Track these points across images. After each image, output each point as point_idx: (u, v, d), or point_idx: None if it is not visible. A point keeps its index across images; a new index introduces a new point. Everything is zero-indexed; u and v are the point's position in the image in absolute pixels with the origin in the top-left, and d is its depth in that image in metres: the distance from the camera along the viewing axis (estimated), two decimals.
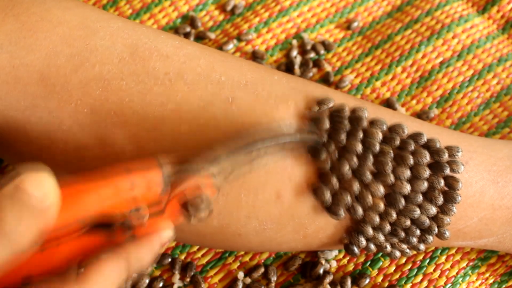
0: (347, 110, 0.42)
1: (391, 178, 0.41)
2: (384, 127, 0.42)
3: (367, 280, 0.49)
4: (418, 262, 0.49)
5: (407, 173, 0.41)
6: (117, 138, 0.41)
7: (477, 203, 0.44)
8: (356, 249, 0.44)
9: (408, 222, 0.42)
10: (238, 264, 0.49)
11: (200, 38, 0.58)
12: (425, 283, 0.49)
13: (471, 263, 0.50)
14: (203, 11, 0.60)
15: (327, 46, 0.58)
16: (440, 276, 0.49)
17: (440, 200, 0.42)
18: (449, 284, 0.49)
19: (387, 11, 0.61)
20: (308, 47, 0.58)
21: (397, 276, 0.49)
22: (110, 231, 0.34)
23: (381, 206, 0.42)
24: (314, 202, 0.42)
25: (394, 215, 0.42)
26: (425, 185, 0.42)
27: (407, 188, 0.41)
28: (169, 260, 0.49)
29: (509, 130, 0.55)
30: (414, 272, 0.49)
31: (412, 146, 0.42)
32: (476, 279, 0.49)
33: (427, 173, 0.42)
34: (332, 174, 0.41)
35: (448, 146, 0.43)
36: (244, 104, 0.41)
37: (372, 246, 0.44)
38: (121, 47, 0.42)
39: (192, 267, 0.49)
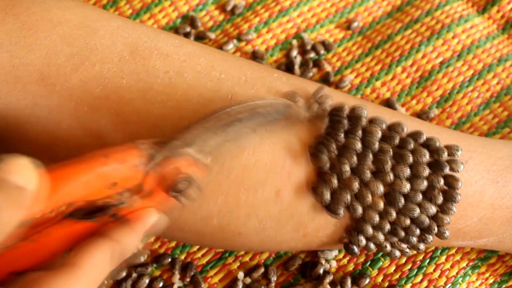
0: (346, 109, 0.42)
1: (391, 176, 0.41)
2: (384, 126, 0.43)
3: (367, 280, 0.49)
4: (418, 262, 0.49)
5: (407, 171, 0.41)
6: (118, 137, 0.41)
7: (477, 202, 0.44)
8: (356, 249, 0.44)
9: (407, 221, 0.42)
10: (238, 264, 0.49)
11: (200, 38, 0.58)
12: (425, 283, 0.49)
13: (471, 263, 0.50)
14: (203, 11, 0.60)
15: (327, 46, 0.58)
16: (440, 276, 0.49)
17: (440, 199, 0.42)
18: (449, 284, 0.49)
19: (387, 11, 0.61)
20: (308, 47, 0.58)
21: (397, 276, 0.49)
22: (96, 218, 0.34)
23: (381, 204, 0.42)
24: (313, 201, 0.42)
25: (393, 214, 0.42)
26: (424, 184, 0.42)
27: (406, 187, 0.41)
28: (169, 260, 0.49)
29: (509, 130, 0.55)
30: (414, 272, 0.49)
31: (412, 145, 0.42)
32: (476, 279, 0.49)
33: (426, 172, 0.42)
34: (332, 172, 0.41)
35: (448, 145, 0.43)
36: (243, 100, 0.41)
37: (372, 246, 0.44)
38: (121, 46, 0.42)
39: (192, 267, 0.49)
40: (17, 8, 0.42)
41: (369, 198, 0.41)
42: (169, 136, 0.35)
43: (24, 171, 0.28)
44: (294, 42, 0.58)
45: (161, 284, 0.48)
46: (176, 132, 0.36)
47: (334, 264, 0.49)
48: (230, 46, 0.58)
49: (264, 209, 0.41)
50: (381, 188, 0.41)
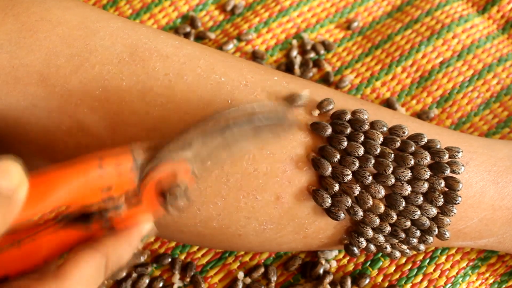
0: (348, 114, 0.42)
1: (392, 179, 0.41)
2: (385, 129, 0.42)
3: (367, 280, 0.49)
4: (418, 262, 0.49)
5: (408, 174, 0.41)
6: (117, 139, 0.41)
7: (477, 203, 0.44)
8: (356, 250, 0.44)
9: (408, 223, 0.42)
10: (238, 264, 0.49)
11: (200, 38, 0.58)
12: (425, 283, 0.49)
13: (471, 263, 0.50)
14: (203, 11, 0.60)
15: (327, 46, 0.58)
16: (440, 276, 0.49)
17: (441, 201, 0.42)
18: (449, 284, 0.49)
19: (387, 11, 0.61)
20: (308, 47, 0.58)
21: (397, 276, 0.49)
22: (87, 225, 0.33)
23: (381, 207, 0.41)
24: (314, 204, 0.42)
25: (394, 216, 0.42)
26: (425, 186, 0.42)
27: (407, 189, 0.41)
28: (169, 260, 0.49)
29: (509, 130, 0.55)
30: (414, 272, 0.49)
31: (413, 147, 0.42)
32: (476, 279, 0.49)
33: (427, 174, 0.42)
34: (332, 176, 0.41)
35: (449, 147, 0.43)
36: (241, 103, 0.41)
37: (372, 247, 0.44)
38: (121, 47, 0.42)
39: (192, 267, 0.49)
40: (17, 9, 0.42)
41: (370, 201, 0.41)
42: (164, 140, 0.35)
43: (13, 173, 0.28)
44: (294, 42, 0.58)
45: (161, 284, 0.48)
46: (172, 136, 0.35)
47: (334, 264, 0.49)
48: (230, 46, 0.58)
49: (264, 212, 0.41)
50: (382, 191, 0.41)
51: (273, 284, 0.49)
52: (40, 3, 0.43)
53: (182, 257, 0.50)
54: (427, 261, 0.49)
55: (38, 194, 0.30)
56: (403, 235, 0.43)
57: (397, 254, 0.44)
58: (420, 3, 0.60)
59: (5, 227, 0.28)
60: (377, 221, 0.42)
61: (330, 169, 0.41)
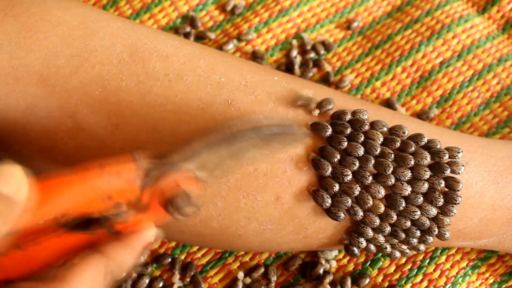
0: (348, 114, 0.42)
1: (392, 179, 0.41)
2: (385, 129, 0.42)
3: (367, 280, 0.49)
4: (418, 262, 0.49)
5: (408, 174, 0.41)
6: (117, 139, 0.41)
7: (478, 203, 0.44)
8: (356, 250, 0.44)
9: (408, 223, 0.42)
10: (238, 264, 0.49)
11: (200, 38, 0.58)
12: (425, 283, 0.49)
13: (471, 263, 0.50)
14: (203, 11, 0.60)
15: (327, 46, 0.58)
16: (440, 276, 0.49)
17: (441, 201, 0.42)
18: (449, 284, 0.49)
19: (387, 11, 0.61)
20: (308, 47, 0.58)
21: (397, 276, 0.49)
22: (90, 230, 0.33)
23: (381, 207, 0.41)
24: (314, 204, 0.42)
25: (394, 216, 0.42)
26: (425, 186, 0.42)
27: (407, 189, 0.41)
28: (169, 260, 0.49)
29: (509, 130, 0.55)
30: (414, 272, 0.49)
31: (413, 147, 0.42)
32: (476, 279, 0.49)
33: (427, 174, 0.42)
34: (332, 177, 0.41)
35: (449, 147, 0.43)
36: (243, 106, 0.41)
37: (372, 247, 0.44)
38: (120, 48, 0.42)
39: (192, 267, 0.49)
40: (16, 9, 0.42)
41: (370, 201, 0.41)
42: (168, 150, 0.34)
43: (14, 179, 0.28)
44: (294, 42, 0.58)
45: (161, 284, 0.48)
46: (176, 146, 0.34)
47: (334, 264, 0.49)
48: (230, 46, 0.58)
49: (264, 212, 0.41)
50: (382, 192, 0.41)
51: (273, 284, 0.49)
52: (40, 3, 0.43)
53: (182, 257, 0.50)
54: (427, 261, 0.49)
55: (39, 200, 0.29)
56: (403, 235, 0.43)
57: (397, 254, 0.44)
58: (420, 3, 0.60)
59: (5, 229, 0.28)
60: (377, 221, 0.42)
61: (330, 169, 0.41)
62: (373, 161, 0.41)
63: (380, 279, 0.49)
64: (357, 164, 0.41)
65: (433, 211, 0.42)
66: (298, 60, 0.57)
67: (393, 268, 0.49)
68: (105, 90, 0.41)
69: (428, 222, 0.42)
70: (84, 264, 0.32)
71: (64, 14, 0.43)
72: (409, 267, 0.49)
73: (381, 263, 0.49)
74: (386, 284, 0.49)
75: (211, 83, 0.42)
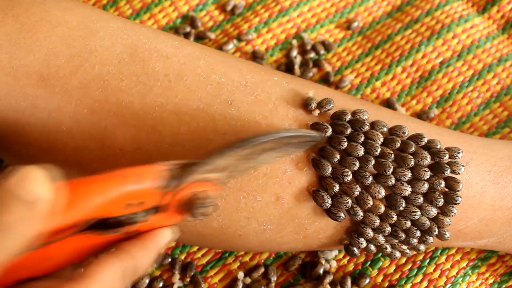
0: (348, 115, 0.42)
1: (392, 180, 0.41)
2: (385, 129, 0.42)
3: (367, 280, 0.49)
4: (418, 262, 0.49)
5: (408, 174, 0.41)
6: (117, 139, 0.41)
7: (478, 203, 0.44)
8: (356, 250, 0.44)
9: (408, 223, 0.42)
10: (238, 264, 0.49)
11: (200, 38, 0.58)
12: (425, 283, 0.49)
13: (471, 263, 0.50)
14: (203, 11, 0.60)
15: (327, 46, 0.58)
16: (440, 276, 0.49)
17: (441, 201, 0.42)
18: (449, 284, 0.49)
19: (387, 11, 0.61)
20: (308, 47, 0.58)
21: (397, 276, 0.49)
22: (110, 231, 0.33)
23: (381, 207, 0.41)
24: (314, 204, 0.42)
25: (394, 216, 0.42)
26: (425, 186, 0.42)
27: (407, 189, 0.41)
28: (169, 260, 0.49)
29: (509, 130, 0.55)
30: (414, 272, 0.49)
31: (413, 148, 0.42)
32: (476, 279, 0.49)
33: (427, 174, 0.42)
34: (332, 177, 0.41)
35: (449, 147, 0.43)
36: (243, 106, 0.41)
37: (372, 247, 0.44)
38: (120, 48, 0.42)
39: (192, 267, 0.49)
40: (16, 9, 0.42)
41: (370, 202, 0.41)
42: (191, 159, 0.35)
43: (40, 182, 0.28)
44: (294, 42, 0.58)
45: (161, 284, 0.48)
46: (199, 157, 0.35)
47: (334, 264, 0.49)
48: (230, 46, 0.58)
49: (264, 212, 0.41)
50: (382, 192, 0.41)
51: (273, 284, 0.49)
52: (39, 3, 0.43)
53: (182, 257, 0.50)
54: (427, 261, 0.49)
55: (65, 204, 0.30)
56: (403, 236, 0.43)
57: (397, 254, 0.44)
58: (420, 3, 0.60)
59: (32, 232, 0.28)
60: (377, 221, 0.42)
61: (330, 169, 0.41)
62: (373, 162, 0.41)
63: (380, 279, 0.49)
64: (357, 164, 0.41)
65: (433, 211, 0.42)
66: (298, 60, 0.57)
67: (393, 268, 0.49)
68: (105, 90, 0.41)
69: (428, 222, 0.42)
70: (103, 263, 0.32)
71: (64, 14, 0.43)
72: (409, 267, 0.49)
73: (381, 263, 0.49)
74: (386, 284, 0.49)
75: (211, 83, 0.42)
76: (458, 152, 0.43)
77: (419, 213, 0.42)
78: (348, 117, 0.42)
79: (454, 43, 0.58)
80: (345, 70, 0.57)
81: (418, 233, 0.43)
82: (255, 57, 0.57)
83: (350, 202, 0.41)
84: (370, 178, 0.41)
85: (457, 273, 0.49)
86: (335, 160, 0.41)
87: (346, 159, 0.41)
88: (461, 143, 0.45)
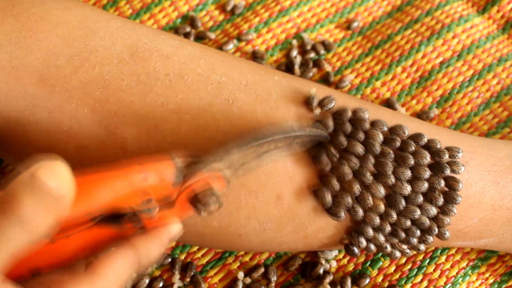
0: (349, 112, 0.42)
1: (392, 179, 0.41)
2: (385, 128, 0.42)
3: (367, 280, 0.49)
4: (418, 262, 0.49)
5: (408, 173, 0.41)
6: (117, 139, 0.41)
7: (477, 203, 0.44)
8: (356, 250, 0.44)
9: (408, 223, 0.42)
10: (238, 264, 0.49)
11: (200, 38, 0.58)
12: (425, 283, 0.49)
13: (471, 263, 0.50)
14: (203, 11, 0.60)
15: (327, 46, 0.58)
16: (440, 276, 0.49)
17: (441, 200, 0.42)
18: (449, 284, 0.49)
19: (387, 11, 0.61)
20: (308, 47, 0.58)
21: (397, 276, 0.49)
22: (120, 224, 0.34)
23: (382, 207, 0.41)
24: (314, 203, 0.42)
25: (394, 215, 0.42)
26: (425, 185, 0.42)
27: (407, 189, 0.41)
28: (169, 260, 0.49)
29: (509, 130, 0.55)
30: (414, 272, 0.49)
31: (413, 147, 0.42)
32: (476, 279, 0.49)
33: (427, 173, 0.42)
34: (333, 175, 0.41)
35: (449, 146, 0.43)
36: (244, 105, 0.41)
37: (372, 247, 0.44)
38: (121, 48, 0.42)
39: (192, 267, 0.49)
40: (16, 9, 0.42)
41: (370, 200, 0.41)
42: (203, 152, 0.36)
43: (59, 175, 0.28)
44: (294, 42, 0.58)
45: (161, 284, 0.48)
46: (212, 150, 0.36)
47: (334, 264, 0.49)
48: (230, 46, 0.58)
49: (264, 211, 0.41)
50: (382, 191, 0.41)
51: (273, 284, 0.49)
52: (40, 3, 0.43)
53: (182, 257, 0.50)
54: (427, 261, 0.49)
55: (82, 195, 0.30)
56: (403, 235, 0.43)
57: (397, 254, 0.44)
58: (420, 3, 0.60)
59: (52, 221, 0.29)
60: (377, 220, 0.42)
61: (330, 166, 0.41)
62: (373, 161, 0.41)
63: (380, 279, 0.49)
64: (357, 162, 0.41)
65: (433, 211, 0.42)
66: (298, 60, 0.57)
67: (393, 268, 0.49)
68: (106, 90, 0.41)
69: (428, 221, 0.42)
70: (114, 255, 0.33)
71: (64, 14, 0.43)
72: (409, 267, 0.49)
73: (381, 263, 0.49)
74: (386, 284, 0.49)
75: (212, 82, 0.42)
76: (458, 152, 0.43)
77: (419, 212, 0.42)
78: (349, 114, 0.42)
79: (454, 43, 0.58)
80: (345, 70, 0.57)
81: (418, 233, 0.43)
82: (255, 57, 0.57)
83: (350, 200, 0.41)
84: (370, 177, 0.41)
85: (457, 273, 0.49)
86: (335, 157, 0.41)
87: (346, 157, 0.41)
88: (461, 143, 0.45)
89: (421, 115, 0.55)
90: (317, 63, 0.58)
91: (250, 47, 0.58)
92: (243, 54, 0.57)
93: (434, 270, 0.49)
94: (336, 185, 0.41)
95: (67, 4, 0.44)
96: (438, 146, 0.43)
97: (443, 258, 0.50)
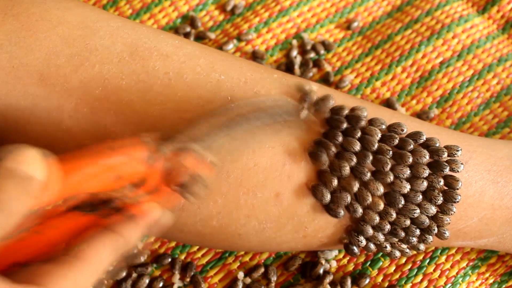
0: (346, 110, 0.42)
1: (391, 177, 0.41)
2: (383, 126, 0.43)
3: (367, 280, 0.49)
4: (418, 262, 0.49)
5: (407, 172, 0.41)
6: (117, 138, 0.41)
7: (477, 203, 0.44)
8: (355, 249, 0.44)
9: (407, 222, 0.42)
10: (238, 264, 0.49)
11: (200, 38, 0.58)
12: (425, 283, 0.49)
13: (471, 263, 0.50)
14: (203, 11, 0.60)
15: (327, 46, 0.58)
16: (440, 276, 0.49)
17: (440, 199, 0.42)
18: (449, 284, 0.49)
19: (387, 11, 0.61)
20: (308, 47, 0.58)
21: (397, 276, 0.49)
22: (100, 211, 0.34)
23: (381, 205, 0.41)
24: (313, 201, 0.42)
25: (393, 214, 0.42)
26: (424, 184, 0.42)
27: (406, 187, 0.41)
28: (169, 260, 0.49)
29: (509, 130, 0.55)
30: (414, 272, 0.49)
31: (411, 145, 0.42)
32: (476, 279, 0.49)
33: (426, 172, 0.42)
34: (331, 173, 0.41)
35: (448, 145, 0.43)
36: (248, 97, 0.41)
37: (372, 246, 0.44)
38: (121, 47, 0.42)
39: (192, 267, 0.49)
40: (16, 9, 0.42)
41: (369, 198, 0.41)
42: (174, 131, 0.36)
43: (33, 161, 0.29)
44: (294, 42, 0.58)
45: (161, 284, 0.48)
46: (181, 127, 0.36)
47: (334, 264, 0.49)
48: (230, 46, 0.58)
49: (263, 210, 0.41)
50: (381, 189, 0.41)
51: (273, 284, 0.49)
52: (40, 3, 0.43)
53: (182, 257, 0.50)
54: (427, 261, 0.49)
55: (54, 180, 0.30)
56: (402, 234, 0.43)
57: (397, 253, 0.44)
58: (420, 3, 0.60)
59: (26, 209, 0.29)
60: (377, 218, 0.42)
61: (327, 162, 0.41)
62: (371, 157, 0.41)
63: (380, 279, 0.49)
64: (355, 159, 0.41)
65: (433, 210, 0.42)
66: (298, 60, 0.57)
67: (393, 268, 0.49)
68: (105, 89, 0.41)
69: (427, 220, 0.42)
70: (95, 241, 0.33)
71: (64, 13, 0.43)
72: (409, 267, 0.49)
73: (381, 263, 0.49)
74: (386, 284, 0.49)
75: (211, 81, 0.42)
76: (457, 150, 0.43)
77: (418, 211, 0.42)
78: (346, 112, 0.42)
79: (454, 43, 0.58)
80: (345, 70, 0.57)
81: (418, 232, 0.43)
82: (255, 57, 0.57)
83: (349, 198, 0.41)
84: (369, 174, 0.41)
85: (457, 273, 0.49)
86: (332, 152, 0.41)
87: (343, 153, 0.41)
88: (460, 143, 0.45)
89: (421, 115, 0.55)
90: (317, 63, 0.58)
91: (250, 47, 0.58)
92: (243, 54, 0.58)
93: (434, 270, 0.49)
94: (334, 182, 0.41)
95: (67, 4, 0.44)
96: (437, 145, 0.43)
97: (443, 258, 0.49)
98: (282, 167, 0.41)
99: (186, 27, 0.58)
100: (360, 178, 0.41)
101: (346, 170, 0.41)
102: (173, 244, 0.50)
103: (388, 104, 0.55)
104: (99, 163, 0.32)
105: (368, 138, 0.41)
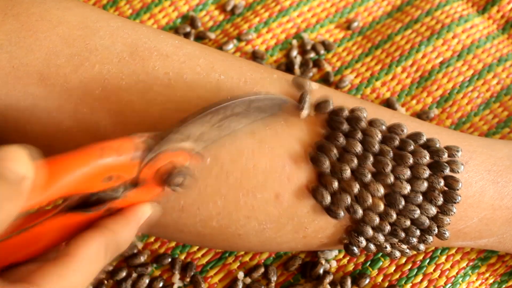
0: (346, 111, 0.42)
1: (391, 178, 0.41)
2: (383, 127, 0.42)
3: (367, 280, 0.49)
4: (418, 262, 0.49)
5: (407, 173, 0.41)
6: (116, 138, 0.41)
7: (477, 203, 0.44)
8: (355, 249, 0.44)
9: (408, 222, 0.42)
10: (238, 264, 0.49)
11: (200, 38, 0.58)
12: (425, 283, 0.49)
13: (471, 263, 0.50)
14: (203, 11, 0.60)
15: (327, 46, 0.58)
16: (440, 276, 0.49)
17: (440, 200, 0.42)
18: (449, 284, 0.49)
19: (387, 11, 0.61)
20: (308, 47, 0.58)
21: (397, 276, 0.49)
22: (90, 210, 0.34)
23: (381, 206, 0.41)
24: (313, 203, 0.42)
25: (393, 215, 0.42)
26: (424, 185, 0.42)
27: (406, 188, 0.41)
28: (169, 260, 0.49)
29: (509, 130, 0.55)
30: (414, 272, 0.49)
31: (412, 146, 0.42)
32: (476, 279, 0.49)
33: (426, 173, 0.42)
34: (332, 174, 0.41)
35: (448, 146, 0.43)
36: (240, 94, 0.41)
37: (372, 246, 0.43)
38: (121, 47, 0.42)
39: (192, 267, 0.49)
40: (16, 9, 0.42)
41: (369, 199, 0.41)
42: (165, 130, 0.36)
43: (22, 161, 0.28)
44: (294, 42, 0.58)
45: (161, 284, 0.48)
46: (172, 125, 0.36)
47: (334, 264, 0.49)
48: (230, 46, 0.58)
49: (263, 211, 0.41)
50: (381, 190, 0.41)
51: (273, 284, 0.49)
52: (40, 3, 0.43)
53: (182, 257, 0.50)
54: (427, 261, 0.49)
55: (44, 181, 0.30)
56: (402, 235, 0.43)
57: (397, 253, 0.44)
58: (420, 3, 0.60)
59: (16, 210, 0.29)
60: (377, 219, 0.42)
61: (328, 165, 0.41)
62: (371, 159, 0.41)
63: (380, 279, 0.49)
64: (356, 161, 0.41)
65: (433, 210, 0.42)
66: (298, 60, 0.57)
67: (393, 268, 0.49)
68: (105, 89, 0.41)
69: (427, 221, 0.42)
70: (87, 240, 0.33)
71: (64, 14, 0.43)
72: (409, 267, 0.49)
73: (381, 263, 0.49)
74: (386, 284, 0.49)
75: (211, 81, 0.42)
76: (457, 151, 0.43)
77: (418, 211, 0.42)
78: (345, 113, 0.42)
79: (454, 43, 0.58)
80: (345, 70, 0.57)
81: (418, 232, 0.43)
82: (255, 57, 0.57)
83: (349, 199, 0.41)
84: (369, 176, 0.41)
85: (457, 273, 0.49)
86: (333, 155, 0.41)
87: (344, 155, 0.41)
88: (460, 143, 0.45)
89: (421, 115, 0.55)
90: (317, 63, 0.58)
91: (250, 47, 0.58)
92: (243, 54, 0.58)
93: (434, 270, 0.49)
94: (335, 184, 0.41)
95: (67, 4, 0.44)
96: (437, 145, 0.43)
97: (443, 258, 0.49)
98: (282, 168, 0.41)
99: (186, 27, 0.58)
100: (360, 179, 0.41)
101: (347, 172, 0.41)
102: (173, 244, 0.50)
103: (388, 104, 0.55)
104: (89, 162, 0.32)
105: (368, 139, 0.41)
